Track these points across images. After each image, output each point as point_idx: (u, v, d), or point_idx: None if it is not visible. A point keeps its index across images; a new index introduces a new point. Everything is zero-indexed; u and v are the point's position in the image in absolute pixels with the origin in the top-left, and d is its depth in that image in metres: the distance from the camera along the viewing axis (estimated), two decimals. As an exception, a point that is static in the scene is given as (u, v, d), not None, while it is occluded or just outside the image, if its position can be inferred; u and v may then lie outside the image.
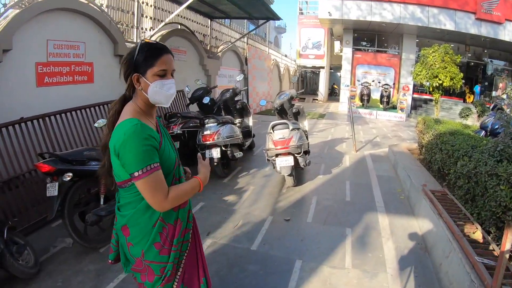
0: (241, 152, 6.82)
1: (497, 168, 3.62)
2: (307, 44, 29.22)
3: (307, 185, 6.34)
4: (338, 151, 9.21)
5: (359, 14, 18.60)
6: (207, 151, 6.22)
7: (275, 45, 41.30)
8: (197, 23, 11.75)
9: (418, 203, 5.17)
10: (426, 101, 21.02)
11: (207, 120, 6.37)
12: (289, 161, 5.77)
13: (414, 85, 20.53)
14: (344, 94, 20.65)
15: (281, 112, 7.14)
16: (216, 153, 6.19)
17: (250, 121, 8.33)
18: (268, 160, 6.14)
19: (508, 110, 8.38)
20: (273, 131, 5.93)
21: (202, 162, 2.03)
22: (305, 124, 7.36)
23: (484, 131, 8.18)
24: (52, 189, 3.70)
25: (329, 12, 18.82)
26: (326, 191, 6.10)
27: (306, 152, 6.43)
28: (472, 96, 21.21)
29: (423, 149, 7.26)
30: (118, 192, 1.89)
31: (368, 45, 22.67)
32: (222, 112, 7.88)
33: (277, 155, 5.85)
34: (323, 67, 29.32)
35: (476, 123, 12.31)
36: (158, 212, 1.77)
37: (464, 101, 20.67)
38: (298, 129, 5.99)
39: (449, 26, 17.87)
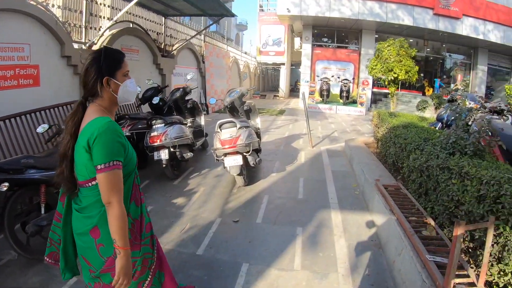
0: (191, 153, 6.48)
1: (448, 161, 3.47)
2: (268, 41, 29.03)
3: (259, 184, 6.06)
4: (294, 147, 8.98)
5: (318, 10, 18.52)
6: (155, 153, 5.92)
7: (236, 42, 41.01)
8: (150, 21, 11.27)
9: (371, 198, 4.99)
10: (385, 95, 21.08)
11: (154, 121, 6.06)
12: (237, 160, 5.50)
13: (374, 80, 20.66)
14: (305, 90, 20.50)
15: (232, 110, 6.85)
16: (164, 154, 5.88)
17: (202, 120, 8.02)
18: (217, 160, 5.83)
19: (459, 101, 8.41)
20: (221, 130, 5.66)
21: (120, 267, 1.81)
22: (257, 121, 7.11)
23: (440, 123, 8.19)
24: None
25: (287, 9, 18.65)
26: (279, 189, 5.85)
27: (257, 150, 6.19)
28: (431, 89, 21.66)
29: (379, 142, 7.15)
30: (77, 195, 1.93)
31: (327, 41, 22.65)
32: (174, 112, 7.52)
33: (225, 155, 5.58)
34: (283, 64, 29.18)
35: (433, 115, 12.44)
36: (126, 207, 1.86)
37: (424, 94, 21.06)
38: (246, 127, 5.75)
39: (407, 21, 18.13)
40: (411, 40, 16.04)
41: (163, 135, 5.89)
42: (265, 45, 29.13)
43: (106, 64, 1.87)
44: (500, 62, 23.34)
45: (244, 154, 5.58)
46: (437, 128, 8.12)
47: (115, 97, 1.93)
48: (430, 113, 14.98)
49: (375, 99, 21.55)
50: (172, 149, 5.96)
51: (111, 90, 1.90)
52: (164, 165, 5.94)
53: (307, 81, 20.93)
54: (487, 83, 22.24)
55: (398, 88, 13.86)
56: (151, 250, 2.09)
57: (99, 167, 1.73)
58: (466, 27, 18.68)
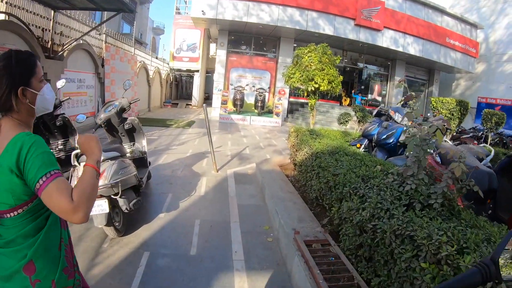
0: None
1: (412, 226, 2.16)
2: (182, 46, 27.10)
3: (139, 233, 4.33)
4: (195, 172, 7.30)
5: (235, 14, 17.17)
6: None
7: (152, 47, 38.59)
8: (35, 14, 9.10)
9: (290, 257, 3.60)
10: (302, 105, 20.61)
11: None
12: (102, 207, 3.74)
13: (291, 89, 19.84)
14: (217, 99, 19.17)
15: (111, 129, 5.19)
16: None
17: (76, 142, 5.84)
18: None
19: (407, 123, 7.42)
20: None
21: (79, 140, 1.73)
22: (143, 143, 5.51)
23: (367, 140, 7.20)
24: None
25: (202, 11, 16.94)
26: (165, 240, 4.19)
27: (136, 188, 4.51)
28: (348, 99, 21.36)
29: (297, 167, 5.86)
30: None
31: (244, 48, 21.36)
32: (46, 133, 5.62)
33: None
34: (197, 71, 27.44)
35: (357, 130, 11.46)
36: (57, 232, 1.67)
37: (341, 104, 20.63)
38: (114, 158, 4.07)
39: (328, 30, 17.63)
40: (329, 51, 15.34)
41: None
42: (179, 50, 27.15)
43: (19, 71, 1.56)
44: (417, 74, 24.02)
45: (112, 197, 3.90)
46: (362, 146, 7.08)
47: (32, 108, 1.63)
48: (351, 126, 14.18)
49: (292, 109, 20.81)
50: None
51: (27, 101, 1.60)
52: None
53: (220, 89, 19.48)
54: (403, 94, 22.58)
55: (318, 99, 12.67)
56: (79, 277, 1.78)
57: (40, 181, 1.43)
58: (386, 39, 18.69)
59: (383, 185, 3.13)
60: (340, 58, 13.32)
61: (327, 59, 11.96)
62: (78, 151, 3.75)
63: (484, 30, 23.49)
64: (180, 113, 19.82)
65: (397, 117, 7.46)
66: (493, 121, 12.13)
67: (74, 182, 3.70)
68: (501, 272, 0.84)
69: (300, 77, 11.82)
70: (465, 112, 11.08)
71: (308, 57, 11.96)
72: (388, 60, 22.57)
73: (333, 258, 3.16)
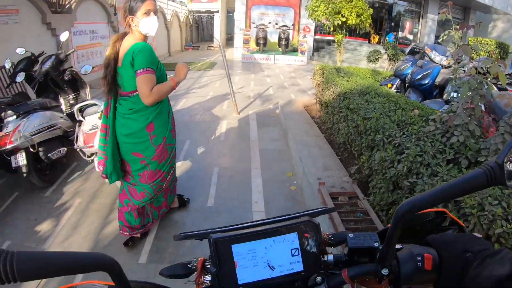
0: (63, 148, 4.40)
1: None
2: (200, -14, 25.96)
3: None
4: (215, 115, 6.94)
5: None
6: (12, 158, 3.95)
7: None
8: None
9: (314, 207, 3.28)
10: (329, 42, 19.39)
11: (3, 114, 4.04)
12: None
13: (316, 26, 18.75)
14: (239, 38, 18.35)
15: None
16: (21, 159, 3.95)
17: (87, 95, 5.64)
18: (89, 159, 4.12)
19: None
20: (83, 118, 3.99)
21: (178, 65, 2.91)
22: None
23: (399, 80, 6.68)
24: None
25: None
26: (181, 191, 3.87)
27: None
28: (377, 37, 20.14)
29: (323, 107, 5.44)
30: (123, 103, 2.70)
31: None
32: (56, 89, 5.40)
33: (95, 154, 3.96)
34: (217, 11, 26.36)
35: (387, 69, 10.70)
36: (167, 106, 2.92)
37: (369, 41, 19.49)
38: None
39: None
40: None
41: (14, 132, 3.86)
42: (196, -9, 26.07)
43: (129, 6, 2.57)
44: (451, 12, 21.92)
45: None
46: (394, 86, 6.57)
47: (139, 31, 2.61)
48: (380, 65, 13.31)
49: (318, 46, 19.67)
50: (32, 150, 4.02)
51: (134, 26, 2.59)
52: (24, 174, 3.99)
53: (242, 28, 18.57)
54: (436, 33, 21.09)
55: (346, 35, 11.69)
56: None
57: (138, 71, 2.49)
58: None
59: (422, 133, 2.70)
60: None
61: (355, -10, 10.97)
62: (81, 104, 3.98)
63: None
64: (202, 56, 19.25)
65: (434, 55, 6.83)
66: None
67: (80, 139, 3.84)
68: (506, 177, 0.75)
69: (326, 10, 10.91)
70: (505, 56, 10.23)
71: (335, -13, 10.97)
72: (420, -6, 20.59)
73: (361, 214, 2.83)
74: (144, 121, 2.65)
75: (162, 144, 2.75)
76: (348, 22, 10.80)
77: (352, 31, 14.70)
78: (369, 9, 11.33)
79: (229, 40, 29.89)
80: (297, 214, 0.80)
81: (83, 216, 3.56)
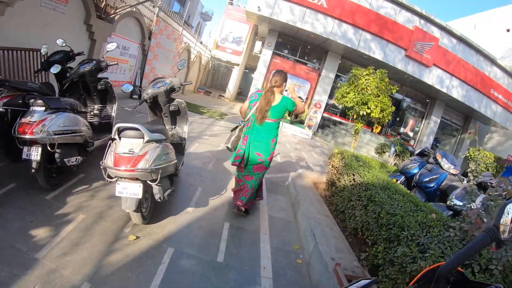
0: (80, 157, 4.38)
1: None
2: (227, 37, 26.90)
3: (165, 224, 4.10)
4: (226, 168, 7.02)
5: (290, 18, 16.69)
6: (24, 148, 3.84)
7: (196, 30, 38.60)
8: None
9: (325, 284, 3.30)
10: (335, 123, 20.27)
11: (32, 101, 3.96)
12: (135, 191, 3.47)
13: (327, 104, 19.62)
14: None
15: (154, 106, 4.92)
16: (35, 153, 3.83)
17: (113, 111, 5.66)
18: (109, 181, 3.58)
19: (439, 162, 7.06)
20: (119, 138, 3.51)
21: (290, 85, 5.61)
22: (185, 129, 5.24)
23: (404, 177, 6.91)
24: None
25: (258, 7, 16.49)
26: (191, 239, 3.93)
27: (172, 176, 4.29)
28: (379, 127, 20.75)
29: (333, 188, 5.56)
30: (264, 125, 4.56)
31: (289, 53, 20.91)
32: (82, 91, 5.38)
33: (118, 178, 3.52)
34: (238, 64, 27.24)
35: (392, 163, 10.94)
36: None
37: (372, 131, 20.06)
38: (159, 141, 3.73)
39: (377, 55, 17.00)
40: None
41: (39, 124, 3.79)
42: (224, 40, 26.98)
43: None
44: (453, 118, 23.09)
45: (148, 182, 3.63)
46: (399, 182, 6.76)
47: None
48: (384, 159, 13.63)
49: (323, 124, 20.43)
50: (49, 148, 3.93)
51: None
52: (33, 169, 3.87)
53: (258, 88, 19.13)
54: (435, 135, 21.88)
55: (364, 124, 12.15)
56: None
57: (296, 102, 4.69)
58: (433, 77, 17.89)
59: (442, 237, 2.85)
60: (397, 88, 12.80)
61: (383, 86, 11.51)
62: (121, 125, 3.48)
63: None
64: (212, 103, 19.67)
65: (443, 162, 7.11)
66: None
67: (110, 158, 3.43)
68: (501, 235, 1.18)
69: (354, 98, 11.39)
70: (501, 170, 10.60)
71: (366, 79, 11.52)
72: (428, 97, 21.76)
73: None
74: (273, 135, 4.69)
75: (272, 152, 4.78)
76: (372, 114, 11.24)
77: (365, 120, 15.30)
78: (392, 107, 11.80)
79: (238, 95, 30.68)
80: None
81: (86, 236, 3.49)
